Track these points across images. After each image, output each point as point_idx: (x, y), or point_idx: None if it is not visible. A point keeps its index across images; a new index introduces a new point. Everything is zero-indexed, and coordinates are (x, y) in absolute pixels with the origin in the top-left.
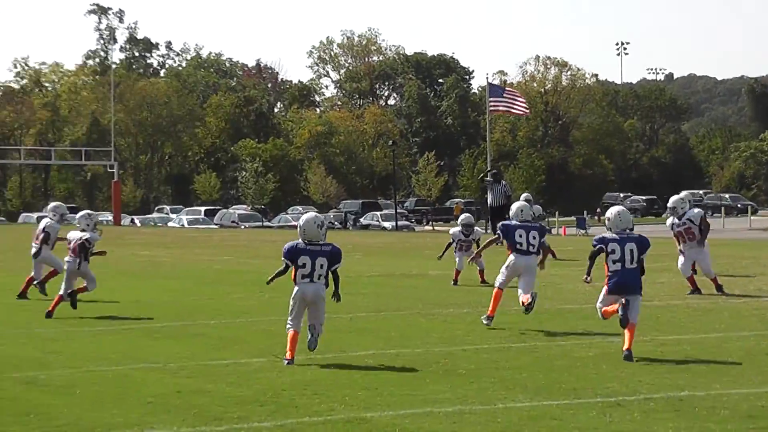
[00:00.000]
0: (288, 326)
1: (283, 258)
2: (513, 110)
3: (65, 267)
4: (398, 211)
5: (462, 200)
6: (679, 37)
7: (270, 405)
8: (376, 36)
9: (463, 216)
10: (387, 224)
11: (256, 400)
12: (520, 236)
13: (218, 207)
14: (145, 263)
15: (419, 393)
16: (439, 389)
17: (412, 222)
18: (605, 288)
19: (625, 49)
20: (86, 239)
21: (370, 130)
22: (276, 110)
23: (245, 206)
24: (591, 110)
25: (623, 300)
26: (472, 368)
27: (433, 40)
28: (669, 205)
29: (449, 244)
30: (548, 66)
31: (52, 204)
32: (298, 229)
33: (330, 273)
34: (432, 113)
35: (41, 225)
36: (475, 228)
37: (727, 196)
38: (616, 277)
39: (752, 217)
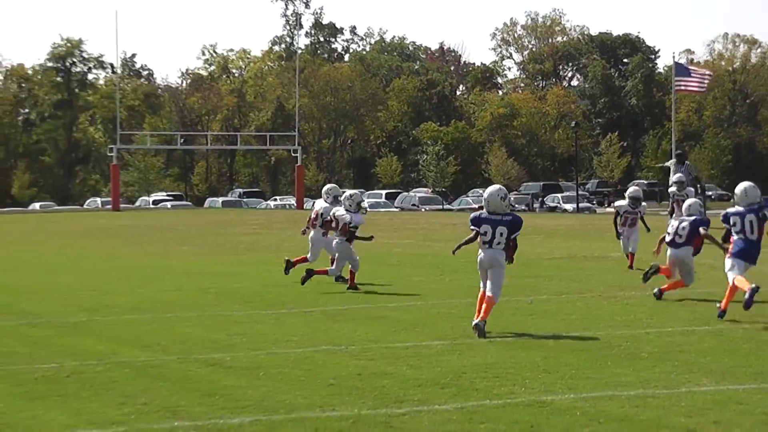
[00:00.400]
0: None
1: (470, 226)
2: (699, 89)
3: (333, 246)
4: (579, 193)
5: (645, 182)
6: None
7: (451, 387)
8: (561, 16)
9: (631, 189)
10: (568, 206)
11: (436, 383)
12: (672, 227)
13: (399, 190)
14: None
15: (601, 376)
16: (621, 372)
17: (593, 204)
18: (728, 255)
19: None
20: (348, 221)
21: (553, 112)
22: (458, 93)
23: (426, 189)
24: None
25: (754, 285)
26: (655, 352)
27: (618, 20)
28: None
29: (616, 220)
30: (737, 44)
31: (327, 186)
32: (483, 200)
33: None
34: (616, 93)
35: (315, 208)
36: (642, 202)
37: None
38: (738, 245)
39: None
